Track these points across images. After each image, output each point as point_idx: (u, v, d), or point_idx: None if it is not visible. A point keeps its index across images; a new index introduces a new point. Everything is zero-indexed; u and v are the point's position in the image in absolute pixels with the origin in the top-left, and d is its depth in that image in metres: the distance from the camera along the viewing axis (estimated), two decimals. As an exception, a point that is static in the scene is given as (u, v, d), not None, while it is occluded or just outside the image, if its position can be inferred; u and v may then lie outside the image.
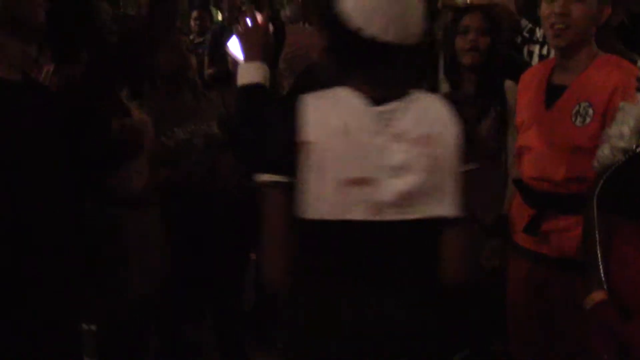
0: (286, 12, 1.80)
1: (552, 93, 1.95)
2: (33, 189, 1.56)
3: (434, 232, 1.37)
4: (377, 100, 1.33)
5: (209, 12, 5.81)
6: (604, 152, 1.60)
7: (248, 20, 1.75)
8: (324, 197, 1.30)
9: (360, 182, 1.31)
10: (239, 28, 1.76)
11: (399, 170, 1.32)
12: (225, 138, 2.60)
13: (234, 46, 1.78)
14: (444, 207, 1.34)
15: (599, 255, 1.58)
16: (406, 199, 1.32)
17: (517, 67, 2.42)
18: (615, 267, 1.56)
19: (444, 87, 2.63)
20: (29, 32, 1.71)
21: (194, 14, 5.44)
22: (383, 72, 1.34)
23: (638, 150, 1.53)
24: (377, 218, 1.31)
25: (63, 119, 1.75)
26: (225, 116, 2.65)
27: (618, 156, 1.56)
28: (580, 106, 1.86)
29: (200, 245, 2.60)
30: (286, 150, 1.31)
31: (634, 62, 2.03)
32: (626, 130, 1.55)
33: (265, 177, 1.34)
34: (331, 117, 1.32)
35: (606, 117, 1.79)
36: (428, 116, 1.35)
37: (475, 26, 2.42)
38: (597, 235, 1.59)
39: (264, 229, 1.35)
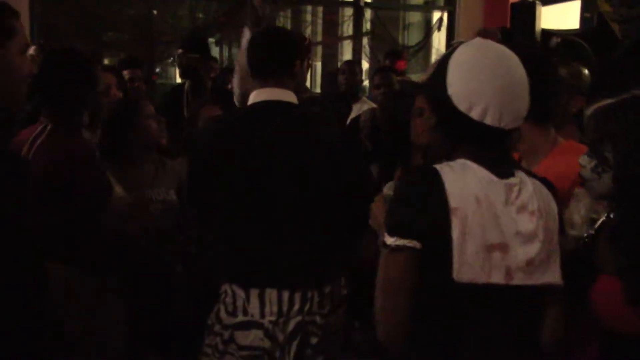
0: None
1: None
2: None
3: (542, 298, 1.49)
4: (500, 175, 1.44)
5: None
6: None
7: None
8: (469, 261, 1.38)
9: (499, 247, 1.40)
10: None
11: (528, 238, 1.42)
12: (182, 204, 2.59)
13: None
14: (555, 275, 1.45)
15: None
16: (532, 265, 1.42)
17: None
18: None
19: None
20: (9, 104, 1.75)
21: None
22: (493, 149, 1.46)
23: (587, 239, 1.55)
24: (511, 282, 1.41)
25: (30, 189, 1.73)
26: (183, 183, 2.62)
27: (570, 244, 1.57)
28: None
29: (158, 315, 2.55)
30: (428, 218, 1.39)
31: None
32: (577, 218, 1.58)
33: (398, 241, 1.41)
34: (469, 188, 1.41)
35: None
36: (538, 192, 1.47)
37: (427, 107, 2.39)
38: None
39: (386, 290, 1.43)
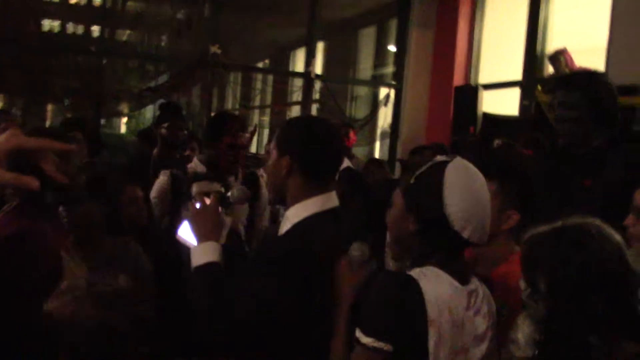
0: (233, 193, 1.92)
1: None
2: None
3: None
4: (462, 282, 1.58)
5: None
6: None
7: (197, 205, 1.85)
8: None
9: (462, 351, 1.54)
10: (189, 213, 1.85)
11: (480, 339, 1.57)
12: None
13: (185, 232, 1.82)
14: None
15: None
16: None
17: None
18: None
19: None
20: None
21: None
22: (459, 258, 1.61)
23: None
24: None
25: None
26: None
27: None
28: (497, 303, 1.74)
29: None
30: (406, 325, 1.47)
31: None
32: (521, 338, 1.50)
33: (374, 343, 1.46)
34: (443, 298, 1.51)
35: None
36: (487, 296, 1.64)
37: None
38: None
39: None
